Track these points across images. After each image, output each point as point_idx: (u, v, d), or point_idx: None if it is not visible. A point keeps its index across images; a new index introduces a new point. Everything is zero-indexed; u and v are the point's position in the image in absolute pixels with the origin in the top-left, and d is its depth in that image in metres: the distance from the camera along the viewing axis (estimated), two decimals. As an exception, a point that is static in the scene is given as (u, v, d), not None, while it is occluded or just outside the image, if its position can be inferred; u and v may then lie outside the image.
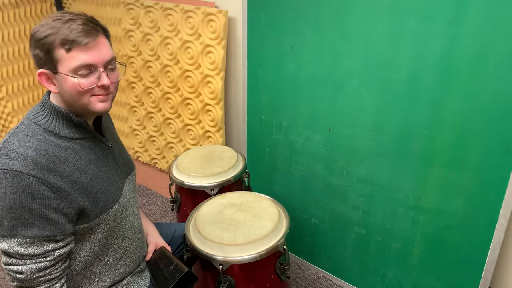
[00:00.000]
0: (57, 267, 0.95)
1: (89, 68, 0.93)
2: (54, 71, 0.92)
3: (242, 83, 1.84)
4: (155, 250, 1.25)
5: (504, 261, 1.45)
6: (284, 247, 1.22)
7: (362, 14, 1.38)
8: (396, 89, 1.39)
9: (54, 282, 0.95)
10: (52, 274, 0.94)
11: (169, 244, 1.35)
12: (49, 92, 1.00)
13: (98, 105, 0.97)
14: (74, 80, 0.92)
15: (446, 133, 1.33)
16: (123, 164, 1.13)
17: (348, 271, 1.79)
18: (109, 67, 0.96)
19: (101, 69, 0.94)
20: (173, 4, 1.88)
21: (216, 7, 1.79)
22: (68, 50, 0.90)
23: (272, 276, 1.24)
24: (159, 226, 1.37)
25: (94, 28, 0.93)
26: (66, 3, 2.47)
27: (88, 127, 1.01)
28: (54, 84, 0.95)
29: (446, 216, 1.42)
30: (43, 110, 0.97)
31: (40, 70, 0.93)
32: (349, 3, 1.39)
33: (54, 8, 2.46)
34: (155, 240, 1.27)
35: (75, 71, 0.91)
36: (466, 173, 1.33)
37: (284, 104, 1.70)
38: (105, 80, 0.95)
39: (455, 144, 1.33)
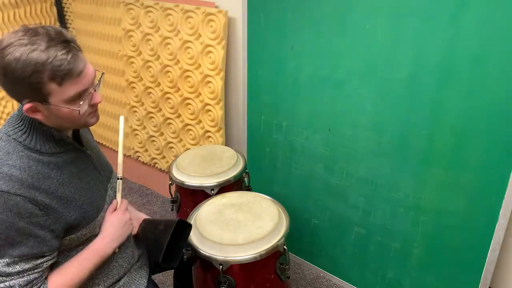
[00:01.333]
0: (43, 276, 0.94)
1: (82, 94, 0.92)
2: (44, 103, 0.88)
3: (242, 83, 1.84)
4: (140, 225, 1.21)
5: (504, 261, 1.45)
6: (284, 247, 1.22)
7: (362, 14, 1.38)
8: (396, 89, 1.39)
9: None
10: (39, 282, 0.93)
11: None
12: None
13: (92, 120, 0.99)
14: (69, 109, 0.91)
15: (446, 133, 1.33)
16: (103, 170, 1.11)
17: (348, 271, 1.79)
18: (96, 83, 0.96)
19: (92, 90, 0.94)
20: (173, 4, 1.88)
21: (216, 7, 1.79)
22: (60, 84, 0.86)
23: (272, 276, 1.24)
24: None
25: (75, 51, 0.88)
26: (66, 3, 2.47)
27: (69, 140, 0.99)
28: (40, 112, 0.90)
29: (446, 216, 1.42)
30: (22, 125, 0.93)
31: (29, 104, 0.87)
32: (349, 3, 1.39)
33: (54, 8, 2.46)
34: (137, 216, 1.24)
35: (69, 101, 0.90)
36: (466, 173, 1.33)
37: (284, 104, 1.70)
38: (98, 98, 0.96)
39: (455, 144, 1.33)
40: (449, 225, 1.42)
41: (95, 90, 0.95)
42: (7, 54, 0.82)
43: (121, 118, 1.16)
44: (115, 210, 1.10)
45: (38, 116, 0.91)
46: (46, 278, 0.95)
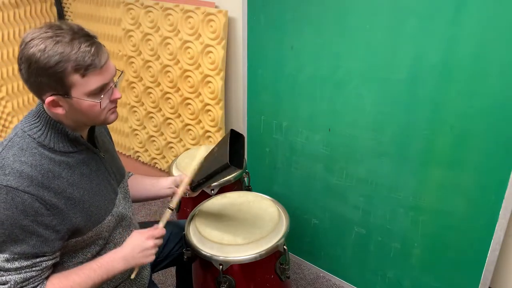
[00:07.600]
0: (41, 275, 0.93)
1: (104, 88, 0.93)
2: (66, 96, 0.89)
3: (242, 83, 1.84)
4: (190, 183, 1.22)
5: (504, 261, 1.45)
6: (284, 247, 1.22)
7: (362, 14, 1.38)
8: (396, 89, 1.39)
9: None
10: (36, 282, 0.92)
11: (167, 242, 1.34)
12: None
13: (111, 117, 0.99)
14: (90, 103, 0.92)
15: (446, 133, 1.33)
16: (114, 173, 1.11)
17: (348, 271, 1.79)
18: (116, 79, 0.98)
19: (112, 85, 0.95)
20: (173, 4, 1.88)
21: (216, 7, 1.79)
22: (83, 75, 0.88)
23: (272, 276, 1.24)
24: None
25: (98, 44, 0.91)
26: (66, 3, 2.47)
27: (82, 140, 0.98)
28: (61, 106, 0.91)
29: (446, 216, 1.42)
30: (38, 122, 0.94)
31: (50, 97, 0.89)
32: (349, 3, 1.39)
33: (54, 8, 2.46)
34: (172, 179, 1.27)
35: (90, 94, 0.91)
36: (466, 173, 1.33)
37: (284, 104, 1.70)
38: (118, 94, 0.97)
39: (455, 144, 1.33)
40: (449, 225, 1.42)
41: (115, 86, 0.96)
42: (32, 46, 0.85)
43: (202, 148, 1.20)
44: (149, 235, 1.06)
45: (59, 111, 0.91)
46: (46, 278, 0.94)
